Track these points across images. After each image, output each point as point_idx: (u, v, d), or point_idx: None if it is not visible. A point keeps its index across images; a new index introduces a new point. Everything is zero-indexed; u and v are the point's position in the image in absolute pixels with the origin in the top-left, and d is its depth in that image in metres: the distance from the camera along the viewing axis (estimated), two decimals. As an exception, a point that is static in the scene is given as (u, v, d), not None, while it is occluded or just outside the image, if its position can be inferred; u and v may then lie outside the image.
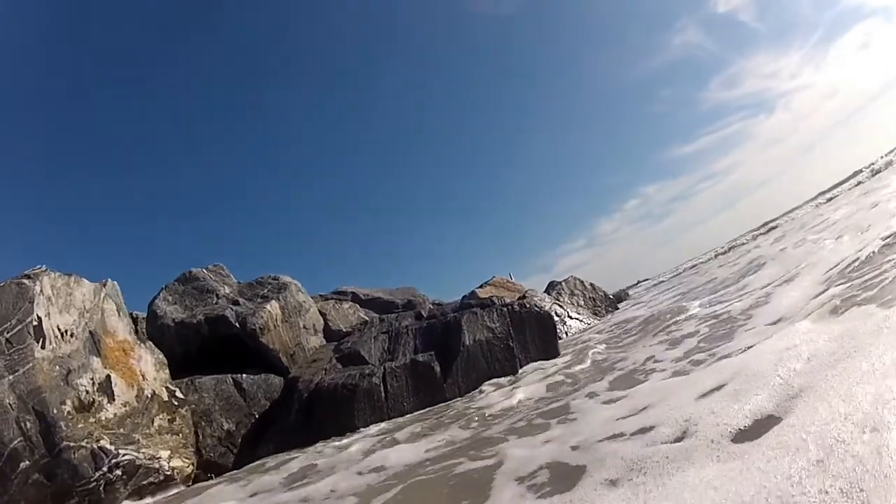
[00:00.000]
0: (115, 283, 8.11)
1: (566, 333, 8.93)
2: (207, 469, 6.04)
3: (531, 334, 7.14)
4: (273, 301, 6.99)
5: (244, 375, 7.02)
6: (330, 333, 8.06)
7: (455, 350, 6.81)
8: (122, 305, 8.12)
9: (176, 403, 5.42)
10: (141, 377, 5.15)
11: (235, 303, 7.00)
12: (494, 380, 6.58)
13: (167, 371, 5.52)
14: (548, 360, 7.00)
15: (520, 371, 6.80)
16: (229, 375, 6.90)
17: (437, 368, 6.61)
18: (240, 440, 6.79)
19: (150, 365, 5.28)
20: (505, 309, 7.13)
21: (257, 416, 6.97)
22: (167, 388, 5.41)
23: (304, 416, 6.46)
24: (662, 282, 19.51)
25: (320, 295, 9.36)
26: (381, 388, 6.35)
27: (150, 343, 5.58)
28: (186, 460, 5.22)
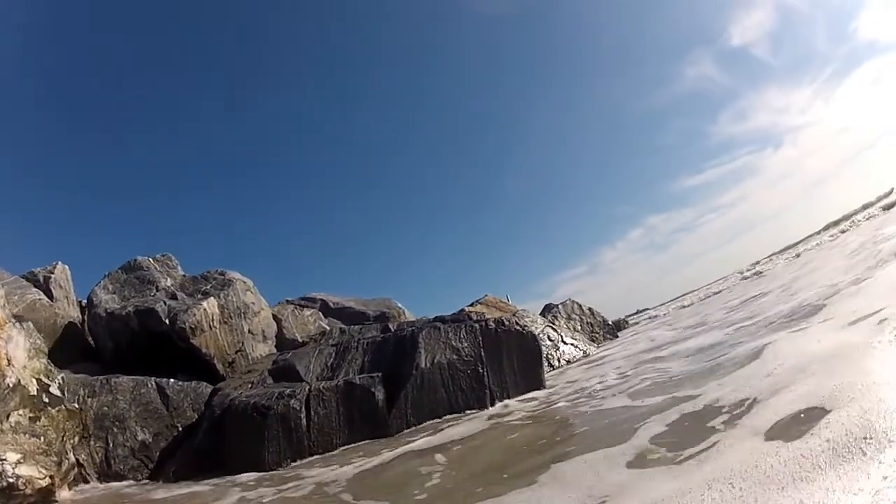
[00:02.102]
0: (66, 266, 7.82)
1: (559, 360, 7.17)
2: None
3: (509, 359, 5.58)
4: (211, 298, 6.07)
5: (171, 381, 6.08)
6: (284, 342, 6.98)
7: (406, 373, 5.41)
8: (70, 292, 7.77)
9: (47, 401, 4.53)
10: (5, 361, 4.33)
11: (173, 297, 6.18)
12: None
13: (44, 360, 4.69)
14: (529, 392, 5.38)
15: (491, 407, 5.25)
16: (153, 378, 6.00)
17: (380, 396, 5.25)
18: (158, 454, 5.87)
19: (20, 349, 4.46)
20: (477, 326, 5.65)
21: (181, 429, 6.00)
22: (39, 380, 4.55)
23: (214, 437, 5.35)
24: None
25: (287, 300, 8.43)
26: (303, 415, 5.09)
27: (30, 325, 4.81)
28: (44, 471, 4.22)
